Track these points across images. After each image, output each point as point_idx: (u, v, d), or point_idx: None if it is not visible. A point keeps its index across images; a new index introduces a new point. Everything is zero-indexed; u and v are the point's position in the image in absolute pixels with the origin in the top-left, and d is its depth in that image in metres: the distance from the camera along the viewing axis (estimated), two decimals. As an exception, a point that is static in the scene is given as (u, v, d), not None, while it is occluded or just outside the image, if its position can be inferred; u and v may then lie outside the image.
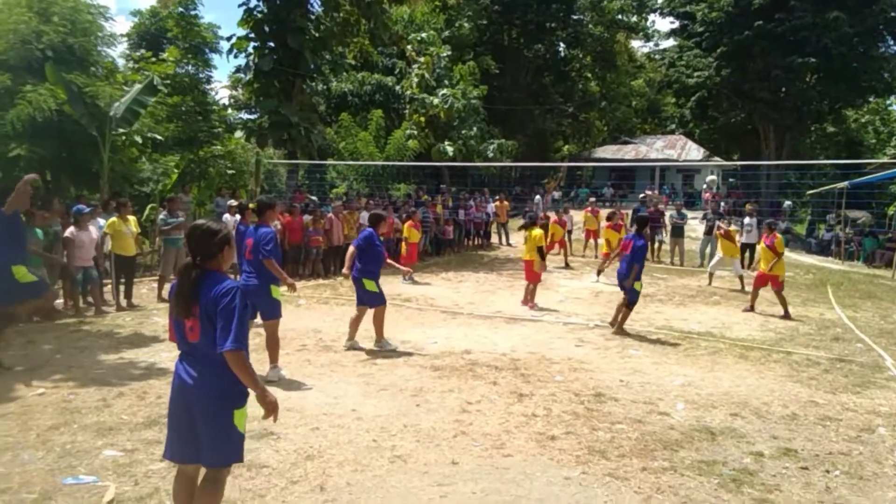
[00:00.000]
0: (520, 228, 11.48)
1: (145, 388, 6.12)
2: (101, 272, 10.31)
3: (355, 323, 7.91)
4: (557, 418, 5.60)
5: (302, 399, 5.92)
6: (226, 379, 3.11)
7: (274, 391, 5.82)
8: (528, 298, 11.15)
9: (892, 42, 33.83)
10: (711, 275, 14.22)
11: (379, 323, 7.86)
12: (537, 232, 11.09)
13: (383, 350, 7.72)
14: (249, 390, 3.18)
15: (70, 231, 9.47)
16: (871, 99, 37.66)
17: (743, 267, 14.66)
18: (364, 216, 15.42)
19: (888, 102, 43.53)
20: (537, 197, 26.37)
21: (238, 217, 10.37)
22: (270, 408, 3.21)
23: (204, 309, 3.09)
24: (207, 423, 3.14)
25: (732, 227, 15.88)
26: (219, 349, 3.02)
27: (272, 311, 6.53)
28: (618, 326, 9.07)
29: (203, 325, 3.09)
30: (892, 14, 31.17)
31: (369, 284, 7.73)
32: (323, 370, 6.94)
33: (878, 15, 30.90)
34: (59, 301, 10.00)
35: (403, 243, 14.28)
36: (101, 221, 10.68)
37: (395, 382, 6.52)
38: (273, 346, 6.54)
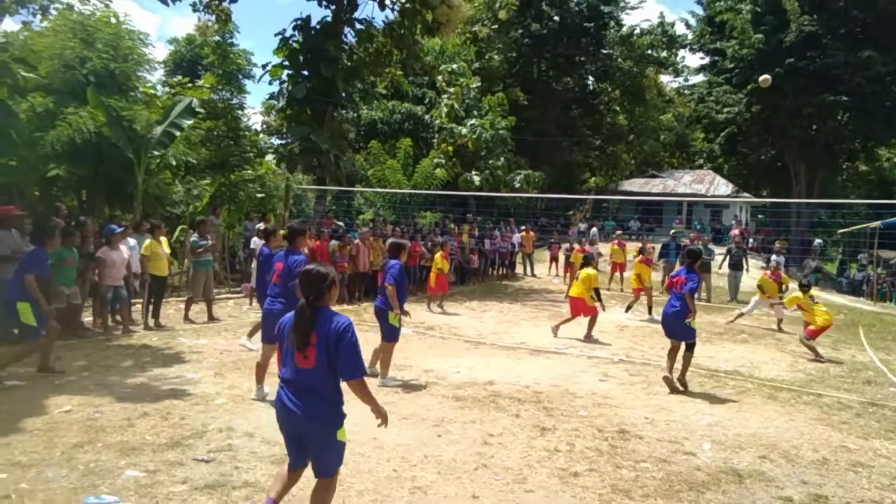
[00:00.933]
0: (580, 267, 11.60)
1: (169, 408, 6.16)
2: (130, 292, 10.46)
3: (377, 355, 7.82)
4: (580, 454, 5.52)
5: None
6: (330, 406, 3.60)
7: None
8: (588, 331, 11.18)
9: (926, 81, 33.40)
10: (741, 314, 13.72)
11: (387, 360, 7.69)
12: (592, 272, 11.24)
13: (388, 387, 7.46)
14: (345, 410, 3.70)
15: (102, 251, 9.65)
16: (904, 138, 37.08)
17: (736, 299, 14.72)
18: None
19: (923, 142, 42.84)
20: (593, 230, 26.06)
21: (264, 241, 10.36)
22: (384, 418, 3.83)
23: (322, 339, 3.53)
24: (315, 443, 3.64)
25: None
26: (348, 378, 3.57)
27: (264, 336, 6.60)
28: (682, 377, 7.89)
29: (319, 353, 3.53)
30: (927, 53, 30.83)
31: (393, 319, 7.62)
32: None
33: (912, 54, 30.61)
34: (89, 319, 10.18)
35: (432, 272, 14.20)
36: (132, 241, 10.88)
37: (416, 412, 6.49)
38: (259, 368, 6.66)
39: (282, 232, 7.12)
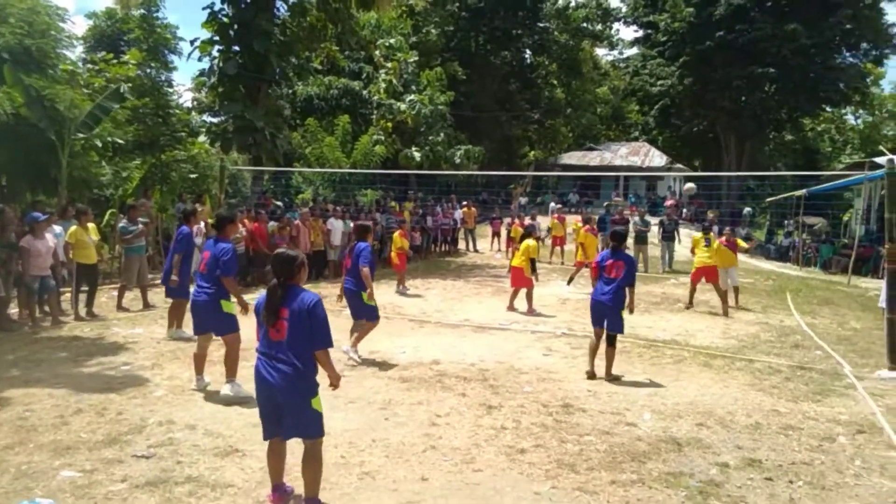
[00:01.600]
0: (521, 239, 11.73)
1: (105, 403, 5.95)
2: (59, 281, 10.02)
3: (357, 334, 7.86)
4: (526, 431, 5.60)
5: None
6: (302, 376, 3.86)
7: (236, 408, 5.76)
8: (528, 305, 11.39)
9: (847, 54, 34.87)
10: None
11: (363, 335, 7.84)
12: (532, 243, 11.42)
13: (349, 357, 7.61)
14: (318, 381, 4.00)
15: (25, 240, 9.15)
16: (827, 109, 38.71)
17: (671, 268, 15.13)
18: (333, 223, 15.32)
19: (843, 112, 44.82)
20: (552, 204, 26.12)
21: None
22: (337, 381, 4.15)
23: (293, 313, 3.85)
24: (291, 413, 3.90)
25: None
26: (315, 349, 3.90)
27: (228, 326, 6.29)
28: (609, 373, 7.32)
29: (290, 326, 3.85)
30: (848, 27, 32.13)
31: (367, 299, 7.75)
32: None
33: (834, 27, 31.86)
34: (14, 311, 9.71)
35: (393, 252, 13.84)
36: (58, 229, 10.39)
37: (363, 395, 6.45)
38: (232, 360, 6.24)
39: (210, 220, 6.82)
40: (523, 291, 11.46)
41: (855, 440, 5.66)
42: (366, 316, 7.84)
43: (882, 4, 33.71)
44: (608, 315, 7.26)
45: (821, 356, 8.82)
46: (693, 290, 12.44)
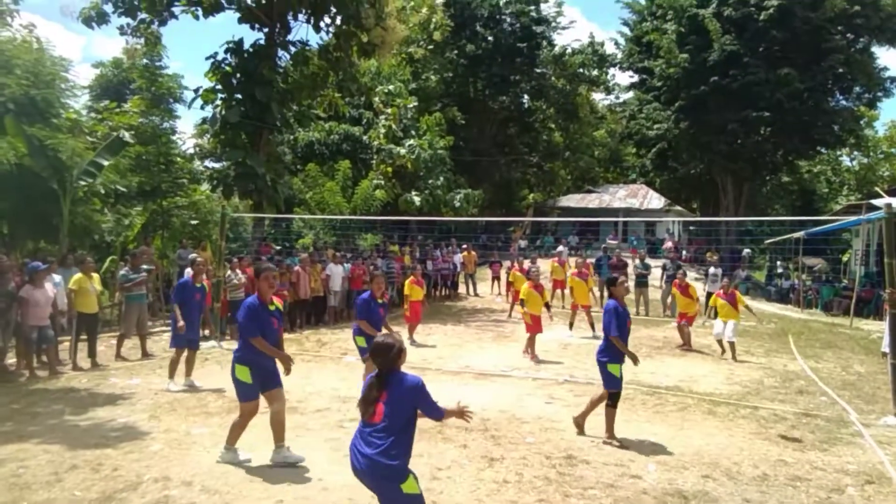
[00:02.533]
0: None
1: (101, 458, 5.85)
2: (57, 331, 9.97)
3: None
4: (529, 484, 5.50)
5: (265, 467, 5.72)
6: (392, 459, 3.71)
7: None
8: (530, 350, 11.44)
9: (840, 97, 35.36)
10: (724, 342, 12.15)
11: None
12: (525, 288, 11.76)
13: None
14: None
15: (25, 290, 9.15)
16: (822, 150, 39.07)
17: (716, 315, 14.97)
18: (332, 269, 15.32)
19: (839, 154, 45.26)
20: (560, 247, 25.56)
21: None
22: (465, 414, 4.30)
23: (392, 397, 3.82)
24: (384, 496, 3.85)
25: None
26: (435, 418, 4.09)
27: (239, 393, 5.84)
28: (608, 432, 6.75)
29: (388, 409, 3.79)
30: (840, 71, 32.64)
31: (360, 340, 8.40)
32: (289, 434, 6.69)
33: (826, 71, 32.36)
34: (12, 361, 9.64)
35: (405, 301, 13.57)
36: (57, 278, 10.40)
37: (362, 447, 6.34)
38: (234, 426, 5.86)
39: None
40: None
41: (864, 491, 5.56)
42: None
43: (874, 49, 34.35)
44: (599, 370, 6.90)
45: (826, 402, 8.72)
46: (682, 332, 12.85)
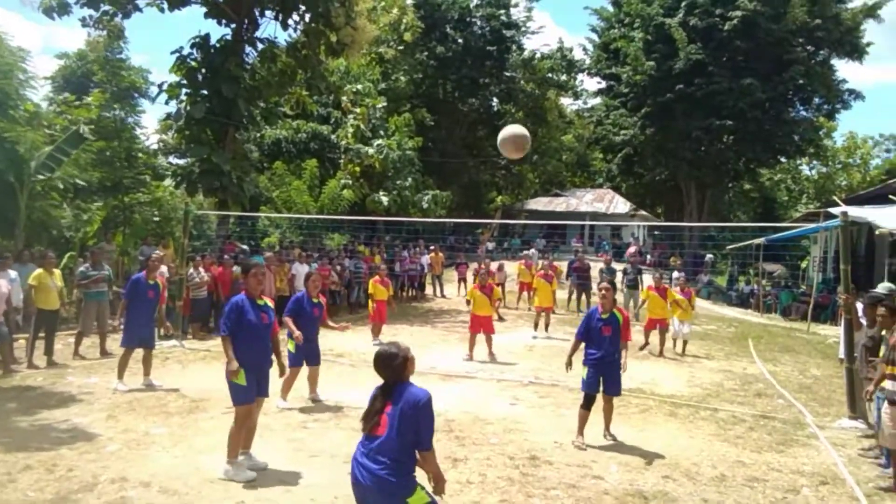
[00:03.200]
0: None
1: (55, 458, 5.70)
2: (12, 328, 9.69)
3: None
4: (493, 485, 5.51)
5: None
6: (398, 474, 3.51)
7: (193, 463, 5.54)
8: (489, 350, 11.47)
9: (801, 107, 36.30)
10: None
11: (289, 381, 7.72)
12: (477, 292, 11.69)
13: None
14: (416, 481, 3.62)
15: (-22, 285, 8.89)
16: (782, 159, 40.03)
17: (638, 318, 15.25)
18: (297, 268, 15.16)
19: (798, 163, 46.41)
20: (532, 250, 25.47)
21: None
22: (442, 485, 3.77)
23: (398, 410, 3.55)
24: None
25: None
26: (422, 448, 3.59)
27: (233, 396, 5.54)
28: (606, 429, 7.04)
29: (392, 422, 3.54)
30: (801, 82, 33.49)
31: (289, 344, 7.86)
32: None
33: (787, 82, 33.19)
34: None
35: (370, 301, 13.41)
36: (13, 273, 10.11)
37: (326, 448, 6.30)
38: (232, 436, 5.51)
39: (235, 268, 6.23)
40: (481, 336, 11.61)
41: (818, 492, 5.69)
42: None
43: (833, 61, 35.31)
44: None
45: (783, 405, 8.93)
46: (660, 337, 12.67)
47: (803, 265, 29.87)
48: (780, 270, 27.32)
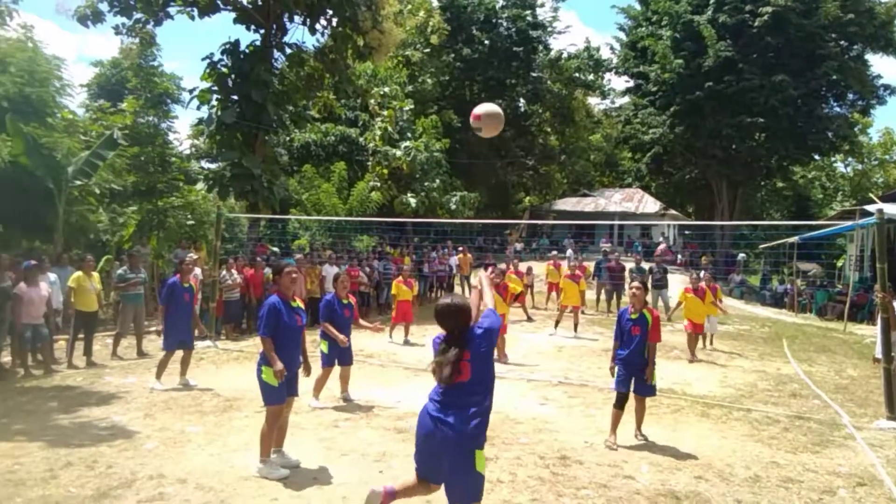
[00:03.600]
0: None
1: (95, 455, 5.85)
2: (52, 329, 9.95)
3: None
4: (523, 484, 5.52)
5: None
6: (475, 420, 3.64)
7: (228, 461, 5.65)
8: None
9: (834, 104, 35.58)
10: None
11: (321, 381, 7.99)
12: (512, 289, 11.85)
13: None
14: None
15: (19, 287, 9.15)
16: (816, 157, 39.26)
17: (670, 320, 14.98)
18: (327, 270, 15.31)
19: (833, 160, 45.48)
20: (569, 251, 25.52)
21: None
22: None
23: (477, 352, 3.72)
24: (456, 467, 3.68)
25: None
26: (489, 317, 3.87)
27: (265, 396, 5.60)
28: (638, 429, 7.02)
29: (475, 366, 3.70)
30: (834, 77, 32.85)
31: (322, 345, 8.01)
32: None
33: (820, 78, 32.58)
34: (7, 359, 9.62)
35: (394, 301, 13.52)
36: (52, 276, 10.39)
37: (356, 447, 6.37)
38: (264, 436, 5.57)
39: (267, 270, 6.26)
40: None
41: (855, 493, 5.59)
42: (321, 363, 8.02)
43: (867, 56, 34.58)
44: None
45: (819, 405, 8.77)
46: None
47: (839, 264, 29.30)
48: (816, 269, 26.84)
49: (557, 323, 14.50)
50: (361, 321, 8.59)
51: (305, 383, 6.29)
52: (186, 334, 8.95)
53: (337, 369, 8.08)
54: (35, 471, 5.44)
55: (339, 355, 8.03)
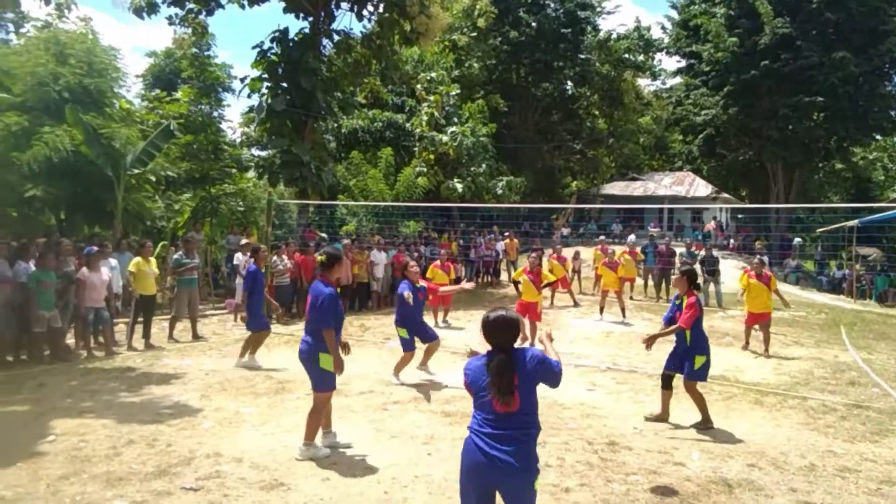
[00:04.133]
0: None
1: (155, 434, 6.09)
2: (112, 313, 10.34)
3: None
4: (571, 468, 5.52)
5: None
6: (532, 454, 3.39)
7: (281, 441, 5.80)
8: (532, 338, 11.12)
9: (898, 81, 34.01)
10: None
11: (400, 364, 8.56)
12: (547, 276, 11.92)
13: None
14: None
15: (82, 272, 9.54)
16: (878, 137, 37.65)
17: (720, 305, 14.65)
18: (376, 255, 15.48)
19: (896, 140, 43.58)
20: (632, 236, 25.03)
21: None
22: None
23: (523, 379, 3.39)
24: (513, 496, 3.38)
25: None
26: (558, 383, 3.56)
27: (321, 383, 5.65)
28: (705, 423, 6.86)
29: (523, 391, 3.38)
30: (898, 54, 31.39)
31: (400, 331, 8.59)
32: (334, 416, 6.83)
33: (884, 55, 31.13)
34: (71, 341, 10.04)
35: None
36: (113, 261, 10.77)
37: (405, 429, 6.46)
38: (314, 422, 5.64)
39: (320, 258, 6.22)
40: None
41: (917, 484, 5.42)
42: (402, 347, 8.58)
43: (934, 30, 32.87)
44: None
45: (878, 394, 8.49)
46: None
47: (902, 248, 28.13)
48: (876, 254, 25.82)
49: (602, 309, 14.44)
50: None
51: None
52: (265, 316, 9.63)
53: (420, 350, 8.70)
54: (99, 448, 5.70)
55: (420, 335, 8.61)
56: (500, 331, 3.49)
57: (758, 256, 14.03)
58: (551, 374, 3.51)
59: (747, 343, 11.44)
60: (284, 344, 10.98)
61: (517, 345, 3.54)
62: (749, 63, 32.09)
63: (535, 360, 3.46)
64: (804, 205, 33.42)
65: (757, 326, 11.18)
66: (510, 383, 3.34)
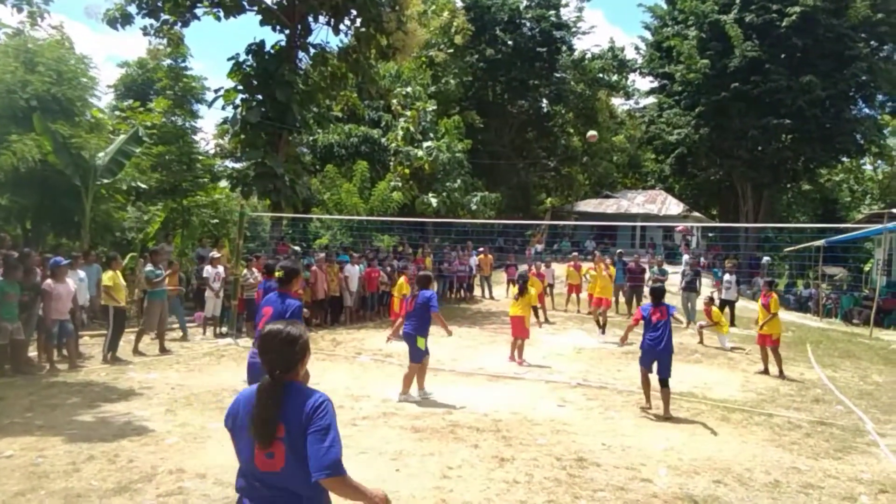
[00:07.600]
0: (518, 292, 11.37)
1: (117, 450, 5.96)
2: (77, 325, 10.14)
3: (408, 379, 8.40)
4: (539, 485, 5.51)
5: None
6: None
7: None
8: (518, 354, 11.14)
9: (863, 105, 34.95)
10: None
11: (410, 378, 8.38)
12: (532, 293, 11.83)
13: (426, 399, 8.38)
14: None
15: (47, 283, 9.34)
16: (844, 159, 38.59)
17: (733, 324, 14.89)
18: (349, 269, 15.42)
19: (861, 162, 44.67)
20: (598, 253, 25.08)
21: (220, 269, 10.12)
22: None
23: (291, 430, 2.50)
24: None
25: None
26: (314, 477, 2.41)
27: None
28: (665, 412, 7.91)
29: (289, 449, 2.50)
30: (864, 78, 32.27)
31: (420, 343, 8.33)
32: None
33: (849, 79, 32.00)
34: (34, 354, 9.81)
35: (395, 298, 13.72)
36: (81, 273, 10.57)
37: (374, 445, 6.41)
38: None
39: (277, 273, 6.15)
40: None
41: (877, 500, 5.52)
42: (413, 358, 8.33)
43: (897, 57, 33.89)
44: (662, 359, 8.07)
45: (842, 411, 8.64)
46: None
47: (866, 268, 28.76)
48: (842, 273, 26.37)
49: (598, 323, 15.01)
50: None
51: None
52: None
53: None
54: (58, 464, 5.56)
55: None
56: (267, 350, 2.63)
57: (762, 280, 14.01)
58: (316, 442, 2.45)
59: (766, 368, 11.05)
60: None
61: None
62: (720, 85, 32.81)
63: (315, 407, 2.53)
64: (773, 224, 34.01)
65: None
66: (273, 429, 2.49)
